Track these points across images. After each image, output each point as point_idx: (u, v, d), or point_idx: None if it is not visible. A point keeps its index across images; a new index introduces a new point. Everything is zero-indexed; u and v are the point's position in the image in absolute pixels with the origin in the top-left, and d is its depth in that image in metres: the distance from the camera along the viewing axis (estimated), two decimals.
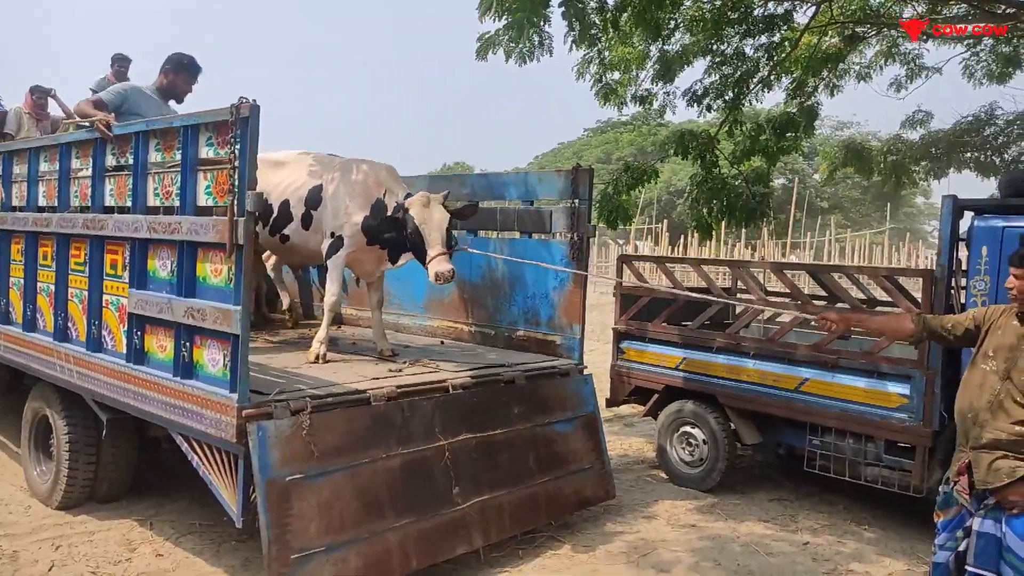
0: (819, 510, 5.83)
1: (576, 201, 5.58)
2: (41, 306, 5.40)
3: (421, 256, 5.02)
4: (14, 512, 5.22)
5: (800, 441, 5.71)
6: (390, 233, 5.18)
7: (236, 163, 3.78)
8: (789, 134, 10.15)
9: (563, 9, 5.49)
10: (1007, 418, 3.23)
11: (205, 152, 4.09)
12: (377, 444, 4.24)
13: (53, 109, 8.22)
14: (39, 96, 7.92)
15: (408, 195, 5.15)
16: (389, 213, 5.17)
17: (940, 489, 3.57)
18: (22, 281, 5.54)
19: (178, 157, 4.24)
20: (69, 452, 5.11)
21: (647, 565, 4.70)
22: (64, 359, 5.08)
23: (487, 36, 7.47)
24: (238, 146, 3.78)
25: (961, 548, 3.38)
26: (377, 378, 4.68)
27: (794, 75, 10.39)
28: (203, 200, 4.12)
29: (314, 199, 5.49)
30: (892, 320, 4.08)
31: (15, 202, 5.76)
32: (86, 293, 4.91)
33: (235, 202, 3.77)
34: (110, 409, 4.83)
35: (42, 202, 5.46)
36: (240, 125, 3.76)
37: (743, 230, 24.56)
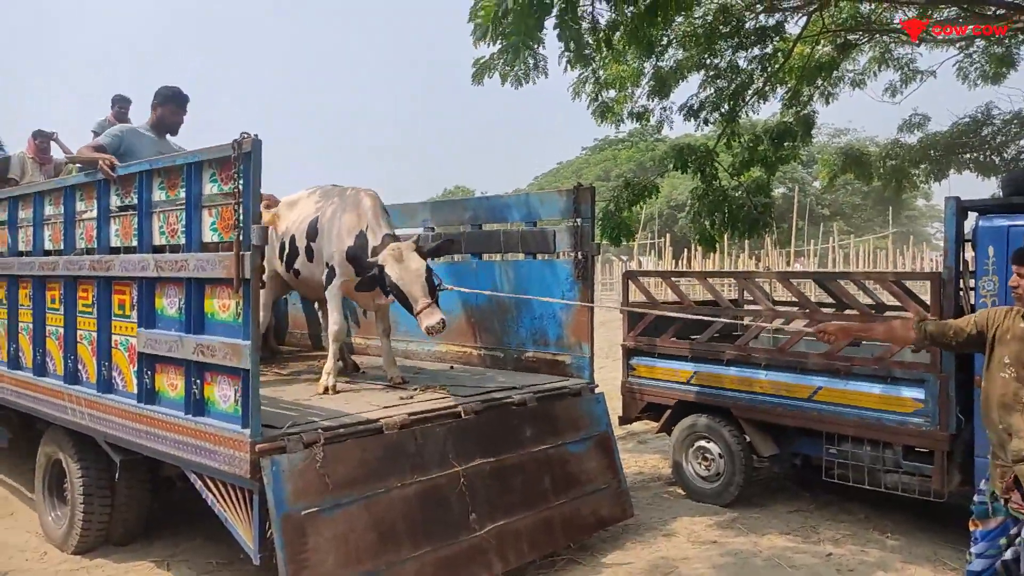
0: (840, 520, 5.77)
1: (579, 220, 5.59)
2: (51, 350, 5.41)
3: (408, 307, 4.92)
4: (30, 559, 5.18)
5: (817, 451, 5.66)
6: (373, 271, 5.05)
7: (240, 198, 3.80)
8: (787, 143, 10.21)
9: (558, 31, 5.52)
10: None
11: (209, 189, 4.12)
12: (391, 473, 4.21)
13: (56, 152, 8.30)
14: (41, 140, 7.99)
15: (386, 235, 5.09)
16: (369, 255, 5.06)
17: (975, 499, 3.54)
18: (31, 326, 5.56)
19: (182, 195, 4.26)
20: (83, 495, 5.08)
21: None
22: (75, 402, 5.07)
23: (482, 61, 7.54)
24: (242, 181, 3.79)
25: (1007, 556, 3.34)
26: (389, 407, 4.66)
27: (789, 85, 10.44)
28: (209, 236, 4.14)
29: (312, 231, 5.57)
30: (893, 328, 4.02)
31: (21, 247, 5.78)
32: (95, 334, 4.92)
33: (240, 237, 3.78)
34: (123, 450, 4.81)
35: (48, 246, 5.49)
36: (243, 160, 3.78)
37: (746, 241, 24.55)
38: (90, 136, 8.18)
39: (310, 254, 5.60)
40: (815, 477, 5.82)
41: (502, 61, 7.44)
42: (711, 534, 5.50)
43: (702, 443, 6.26)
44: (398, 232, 7.10)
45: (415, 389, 5.21)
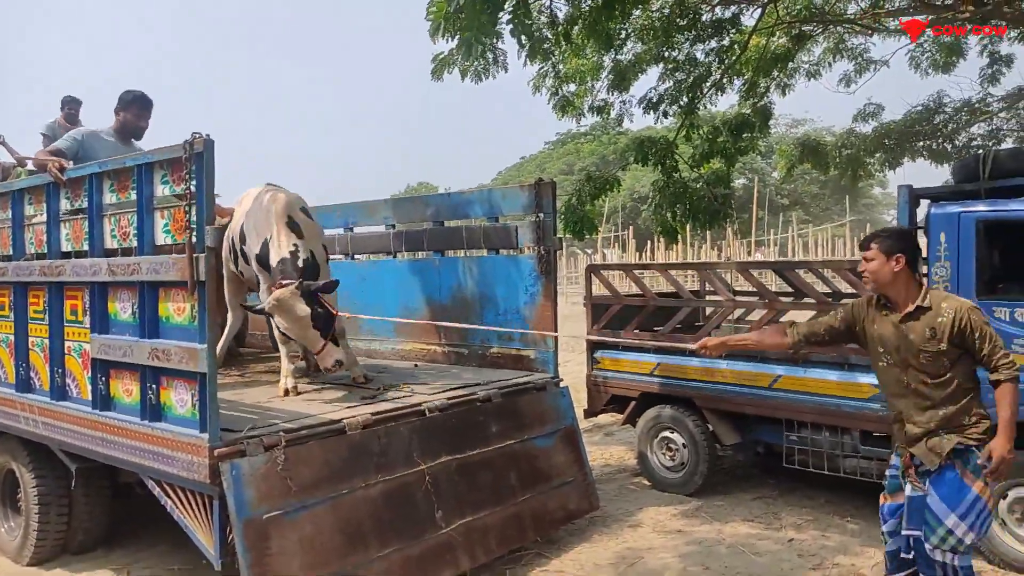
0: (802, 505, 5.87)
1: (541, 215, 5.60)
2: (1, 358, 5.26)
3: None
4: None
5: (778, 438, 5.75)
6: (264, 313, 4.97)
7: (193, 199, 3.73)
8: (745, 135, 10.30)
9: (511, 27, 5.50)
10: (924, 401, 3.32)
11: (161, 190, 4.04)
12: (356, 474, 4.18)
13: (3, 156, 8.06)
14: None
15: (294, 248, 4.94)
16: (273, 264, 4.92)
17: (887, 473, 3.65)
18: None
19: (133, 197, 4.17)
20: (39, 505, 4.96)
21: (635, 575, 4.68)
22: (28, 410, 4.95)
23: (441, 56, 7.50)
24: (194, 182, 3.72)
25: (889, 547, 3.57)
26: (351, 406, 4.62)
27: (746, 77, 10.56)
28: (162, 239, 4.06)
29: (241, 234, 5.44)
30: (769, 334, 4.06)
31: None
32: (47, 341, 4.80)
33: (194, 239, 3.71)
34: (79, 458, 4.71)
35: None
36: (195, 161, 3.71)
37: (708, 232, 24.83)
38: (39, 139, 7.98)
39: (245, 257, 5.45)
40: (777, 464, 5.92)
41: (460, 56, 7.43)
42: (676, 523, 5.56)
43: (666, 434, 6.31)
44: (362, 230, 7.10)
45: (378, 388, 5.18)
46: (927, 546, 3.30)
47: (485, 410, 5.00)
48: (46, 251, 4.82)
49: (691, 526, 5.50)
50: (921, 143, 12.34)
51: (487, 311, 5.95)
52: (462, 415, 4.85)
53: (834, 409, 5.37)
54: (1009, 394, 3.18)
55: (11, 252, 5.14)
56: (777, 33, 10.43)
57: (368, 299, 6.51)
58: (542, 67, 9.67)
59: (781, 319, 6.68)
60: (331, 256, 7.23)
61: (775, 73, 10.80)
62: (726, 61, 10.05)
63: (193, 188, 3.73)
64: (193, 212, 3.73)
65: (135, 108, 5.30)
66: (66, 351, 4.70)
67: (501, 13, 4.48)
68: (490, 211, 6.00)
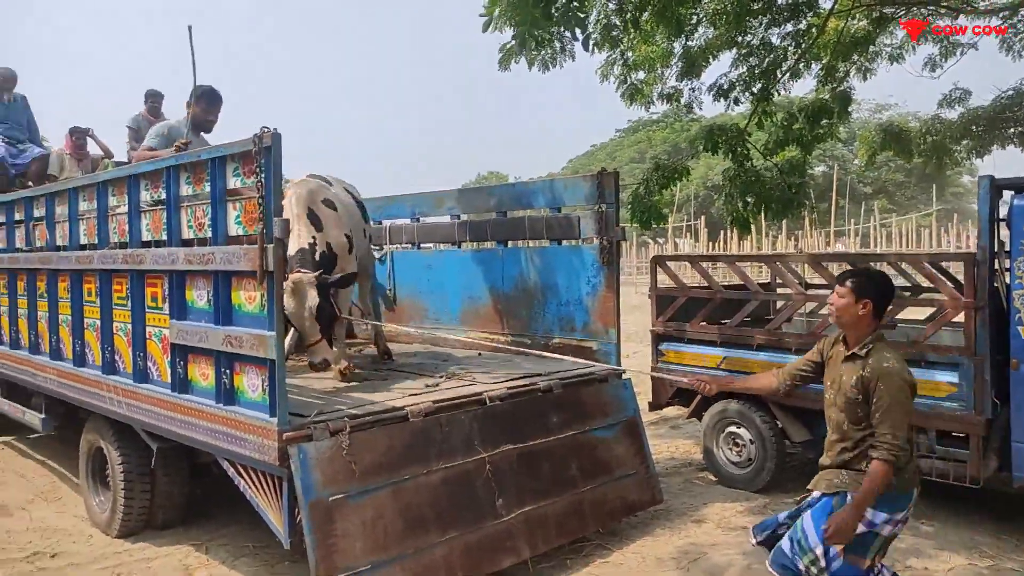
0: None
1: (603, 205, 5.56)
2: (89, 341, 5.57)
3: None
4: (77, 542, 5.36)
5: None
6: None
7: (262, 191, 3.86)
8: (823, 121, 9.97)
9: (561, 19, 5.40)
10: (838, 439, 3.35)
11: (233, 183, 4.18)
12: (417, 460, 4.26)
13: (92, 148, 8.50)
14: (78, 136, 8.19)
15: (306, 244, 5.02)
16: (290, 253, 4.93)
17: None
18: (70, 318, 5.72)
19: (208, 189, 4.34)
20: (124, 482, 5.23)
21: (698, 571, 4.64)
22: (113, 391, 5.22)
23: (508, 46, 7.52)
24: (263, 175, 3.85)
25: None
26: (415, 394, 4.71)
27: (823, 61, 10.20)
28: (234, 230, 4.21)
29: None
30: (757, 379, 4.05)
31: (59, 241, 5.95)
32: (130, 326, 5.05)
33: (263, 229, 3.84)
34: (159, 438, 4.95)
35: (84, 240, 5.63)
36: (264, 154, 3.84)
37: (784, 222, 24.17)
38: (125, 131, 8.39)
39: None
40: None
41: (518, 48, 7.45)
42: (742, 520, 5.47)
43: (733, 429, 6.21)
44: (429, 220, 7.21)
45: (441, 376, 5.26)
46: (800, 566, 3.34)
47: (546, 400, 5.02)
48: (128, 240, 5.07)
49: (757, 523, 5.39)
50: (1012, 130, 11.69)
51: (549, 301, 5.96)
52: (523, 404, 4.88)
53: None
54: (878, 473, 3.12)
55: (97, 241, 5.42)
56: (857, 16, 10.04)
57: (433, 288, 6.62)
58: (610, 54, 9.58)
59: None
60: (400, 245, 7.41)
61: (855, 57, 10.40)
62: (803, 45, 9.73)
63: (262, 180, 3.85)
64: (263, 204, 3.86)
65: (204, 103, 5.51)
66: (147, 336, 4.93)
67: (555, 7, 4.42)
68: (553, 201, 6.00)
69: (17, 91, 8.46)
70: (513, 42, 7.10)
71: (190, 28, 4.60)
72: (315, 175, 5.79)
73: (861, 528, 3.21)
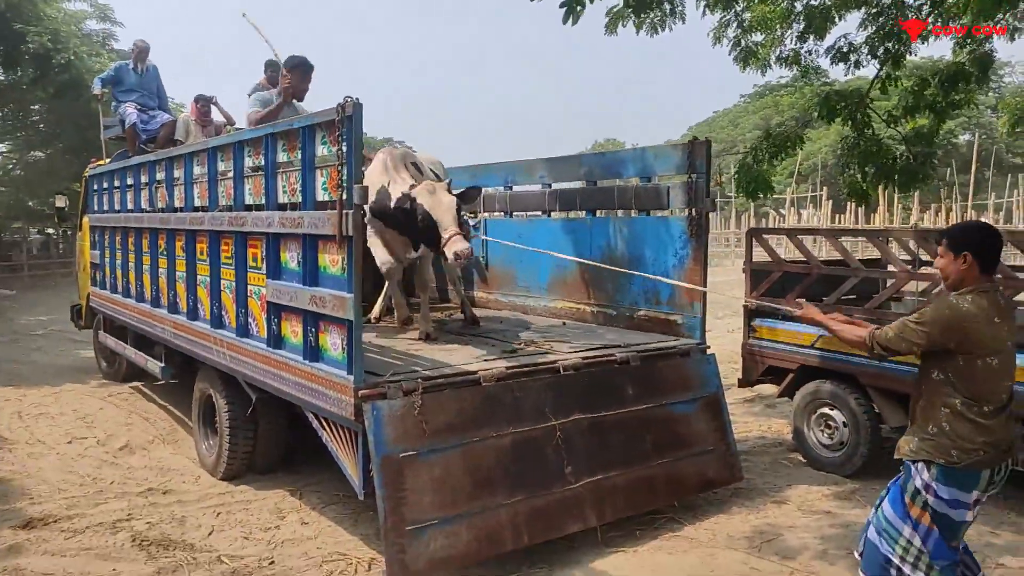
0: None
1: (693, 176, 5.42)
2: (200, 296, 6.00)
3: (436, 243, 5.09)
4: (187, 481, 5.87)
5: None
6: (401, 220, 5.29)
7: (344, 159, 4.01)
8: (960, 86, 9.21)
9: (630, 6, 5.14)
10: (917, 396, 3.24)
11: (320, 151, 4.37)
12: (487, 423, 4.37)
13: (215, 115, 9.03)
14: (203, 104, 8.71)
15: (413, 184, 5.28)
16: (392, 202, 5.32)
17: None
18: (185, 275, 6.17)
19: (299, 156, 4.55)
20: (229, 428, 5.65)
21: (770, 551, 4.53)
22: (220, 344, 5.62)
23: (615, 10, 7.38)
24: (345, 143, 4.00)
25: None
26: (489, 359, 4.81)
27: (963, 21, 9.38)
28: (321, 195, 4.41)
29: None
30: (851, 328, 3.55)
31: (177, 204, 6.40)
32: (234, 284, 5.40)
33: (343, 196, 4.00)
34: (258, 389, 5.29)
35: (197, 202, 6.03)
36: (346, 123, 3.98)
37: (917, 194, 22.57)
38: (246, 99, 8.86)
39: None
40: None
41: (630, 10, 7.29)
42: (825, 504, 5.29)
43: (825, 410, 5.97)
44: (520, 188, 7.26)
45: (520, 344, 5.33)
46: (894, 559, 3.12)
47: (622, 372, 5.00)
48: (233, 203, 5.40)
49: (841, 508, 5.21)
50: None
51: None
52: (598, 375, 4.89)
53: (1018, 394, 4.79)
54: (856, 334, 3.27)
55: (208, 203, 5.80)
56: None
57: (523, 255, 6.67)
58: (723, 16, 9.19)
59: None
60: (491, 213, 7.51)
61: (1000, 16, 9.50)
62: (939, 4, 8.98)
63: (344, 148, 4.00)
64: (344, 171, 4.02)
65: (298, 72, 5.78)
66: (248, 294, 5.27)
67: None
68: (643, 171, 5.89)
69: (149, 61, 9.11)
70: (619, 5, 6.97)
71: (244, 14, 4.89)
72: (393, 145, 6.04)
73: (930, 498, 3.05)
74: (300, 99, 5.91)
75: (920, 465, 3.07)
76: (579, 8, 4.24)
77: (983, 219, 27.75)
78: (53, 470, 6.08)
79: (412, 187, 5.26)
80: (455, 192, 5.25)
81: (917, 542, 3.08)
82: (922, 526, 3.07)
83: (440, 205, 5.07)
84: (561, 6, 4.21)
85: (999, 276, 4.97)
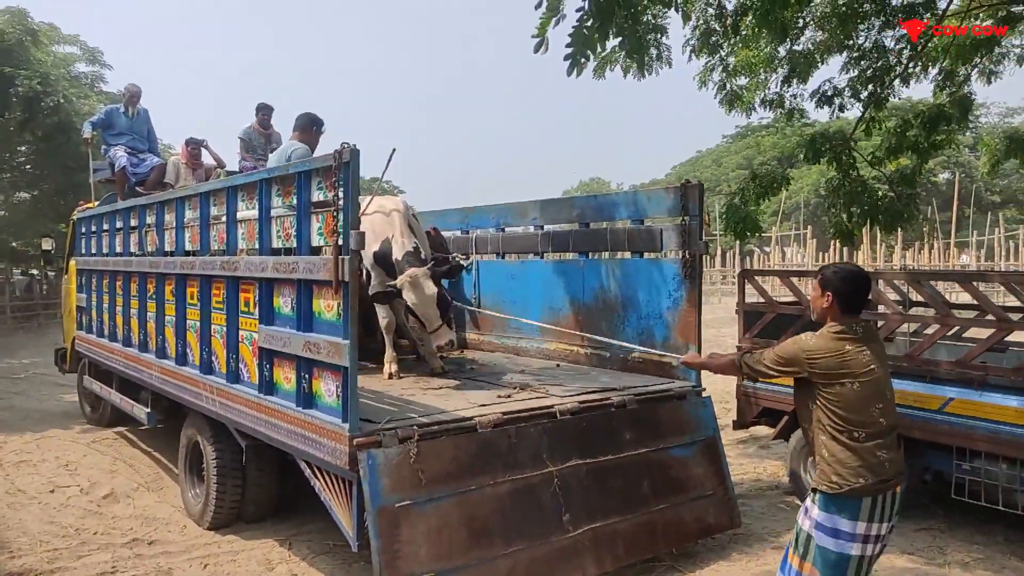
0: (973, 542, 5.30)
1: (687, 218, 5.45)
2: (190, 341, 5.92)
3: (422, 325, 5.49)
4: (172, 531, 5.72)
5: (948, 466, 5.23)
6: (392, 290, 5.59)
7: (340, 204, 4.00)
8: (942, 128, 9.38)
9: (621, 41, 5.19)
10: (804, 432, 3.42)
11: (316, 196, 4.36)
12: (484, 471, 4.30)
13: (206, 158, 9.03)
14: (193, 147, 8.72)
15: (408, 252, 5.61)
16: (394, 257, 5.65)
17: None
18: (174, 319, 6.10)
19: (295, 201, 4.53)
20: (217, 476, 5.53)
21: None
22: (209, 390, 5.53)
23: (602, 55, 7.48)
24: (341, 189, 3.99)
25: None
26: (485, 405, 4.75)
27: (942, 65, 9.59)
28: (316, 240, 4.39)
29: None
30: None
31: (167, 247, 6.35)
32: (225, 329, 5.33)
33: (339, 241, 3.98)
34: (249, 436, 5.20)
35: (188, 247, 5.99)
36: (343, 169, 3.98)
37: (900, 233, 22.84)
38: (237, 142, 8.89)
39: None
40: (948, 494, 5.38)
41: (622, 55, 7.39)
42: None
43: None
44: (512, 230, 7.28)
45: (515, 388, 5.28)
46: None
47: (619, 416, 4.95)
48: (225, 248, 5.35)
49: None
50: None
51: (629, 315, 5.88)
52: (595, 419, 4.84)
53: (1012, 438, 4.80)
54: (724, 361, 3.70)
55: (199, 247, 5.75)
56: (980, 15, 9.38)
57: (515, 297, 6.67)
58: (708, 61, 9.35)
59: (963, 334, 6.11)
60: (484, 255, 7.52)
61: (977, 60, 9.72)
62: (919, 48, 9.18)
63: (341, 194, 3.99)
64: (340, 216, 4.00)
65: (314, 128, 5.91)
66: (240, 339, 5.20)
67: (611, 29, 4.28)
68: (635, 213, 5.92)
69: (140, 105, 9.13)
70: (610, 49, 7.04)
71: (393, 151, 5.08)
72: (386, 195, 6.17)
73: (813, 530, 3.09)
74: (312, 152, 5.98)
75: (808, 501, 3.19)
76: (583, 60, 4.27)
77: (966, 256, 28.12)
78: (35, 521, 5.91)
79: (397, 262, 5.58)
80: (435, 267, 5.53)
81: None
82: (795, 572, 3.13)
83: (423, 300, 5.35)
84: (565, 59, 4.24)
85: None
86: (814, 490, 3.14)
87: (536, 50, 4.22)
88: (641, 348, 5.52)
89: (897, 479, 3.13)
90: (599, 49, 4.52)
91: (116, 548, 5.33)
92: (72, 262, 9.43)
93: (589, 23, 4.08)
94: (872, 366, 3.11)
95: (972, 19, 9.33)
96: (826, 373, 3.08)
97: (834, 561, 3.05)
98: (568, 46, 4.15)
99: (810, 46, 9.58)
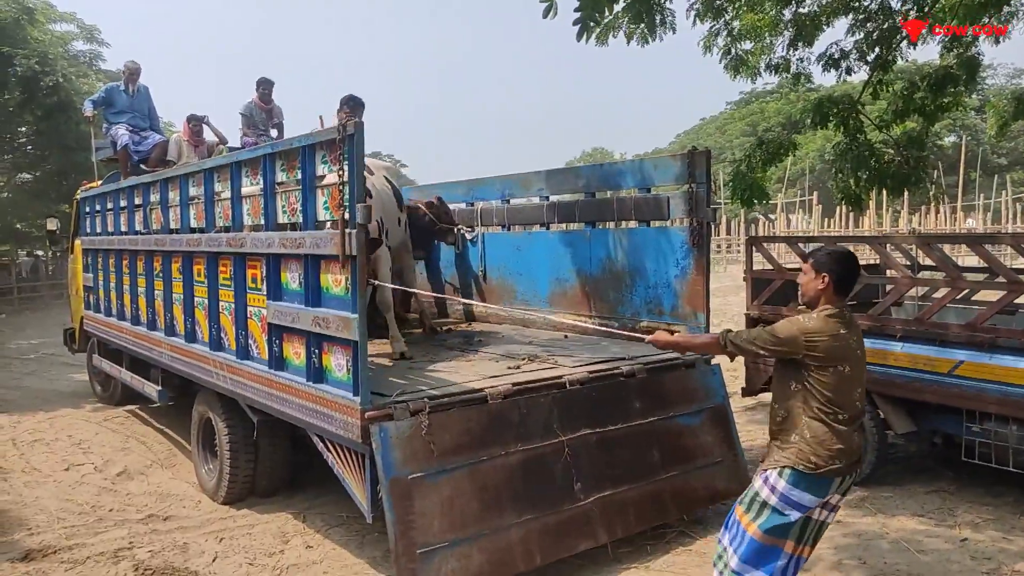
0: (983, 503, 5.33)
1: (694, 185, 5.41)
2: (199, 319, 5.93)
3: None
4: (187, 506, 5.78)
5: (958, 429, 5.24)
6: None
7: (345, 178, 3.97)
8: (949, 89, 9.27)
9: (632, 13, 5.09)
10: (777, 407, 3.32)
11: (321, 170, 4.33)
12: (495, 442, 4.32)
13: (207, 135, 8.97)
14: (195, 124, 8.64)
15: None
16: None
17: None
18: (182, 297, 6.10)
19: (299, 176, 4.50)
20: (230, 451, 5.57)
21: None
22: (219, 367, 5.55)
23: (605, 20, 7.36)
24: (347, 162, 3.96)
25: None
26: (495, 376, 4.76)
27: (949, 23, 9.44)
28: (322, 215, 4.37)
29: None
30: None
31: (172, 225, 6.34)
32: (233, 305, 5.34)
33: (346, 215, 3.96)
34: (260, 412, 5.22)
35: (193, 224, 5.97)
36: (347, 142, 3.94)
37: (907, 197, 22.64)
38: (238, 118, 8.84)
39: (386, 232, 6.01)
40: (957, 457, 5.40)
41: (625, 20, 7.28)
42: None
43: None
44: (518, 202, 7.25)
45: (524, 359, 5.29)
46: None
47: (629, 385, 4.96)
48: (231, 224, 5.34)
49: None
50: None
51: (637, 284, 5.87)
52: (604, 389, 4.85)
53: (1022, 400, 4.80)
54: (708, 339, 3.60)
55: (205, 225, 5.74)
56: None
57: (522, 269, 6.64)
58: (713, 25, 9.22)
59: (972, 297, 6.07)
60: (490, 227, 7.48)
61: (986, 19, 9.56)
62: (925, 8, 9.04)
63: (346, 168, 3.96)
64: (346, 190, 3.98)
65: (347, 108, 5.77)
66: (248, 315, 5.21)
67: None
68: (642, 182, 5.88)
69: (140, 82, 9.05)
70: (612, 15, 6.94)
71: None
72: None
73: (773, 499, 3.09)
74: None
75: (773, 474, 3.14)
76: (592, 25, 4.21)
77: (972, 220, 27.94)
78: (51, 499, 5.98)
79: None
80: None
81: (731, 548, 3.17)
82: (742, 531, 3.16)
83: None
84: (575, 23, 4.17)
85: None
86: (784, 467, 3.11)
87: (545, 15, 4.16)
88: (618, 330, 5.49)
89: (860, 462, 3.26)
90: (606, 13, 4.45)
91: (132, 524, 5.39)
92: (77, 242, 9.43)
93: None
94: (858, 351, 3.15)
95: None
96: (824, 356, 3.05)
97: (782, 525, 3.11)
98: (577, 10, 4.08)
99: (816, 8, 9.42)
